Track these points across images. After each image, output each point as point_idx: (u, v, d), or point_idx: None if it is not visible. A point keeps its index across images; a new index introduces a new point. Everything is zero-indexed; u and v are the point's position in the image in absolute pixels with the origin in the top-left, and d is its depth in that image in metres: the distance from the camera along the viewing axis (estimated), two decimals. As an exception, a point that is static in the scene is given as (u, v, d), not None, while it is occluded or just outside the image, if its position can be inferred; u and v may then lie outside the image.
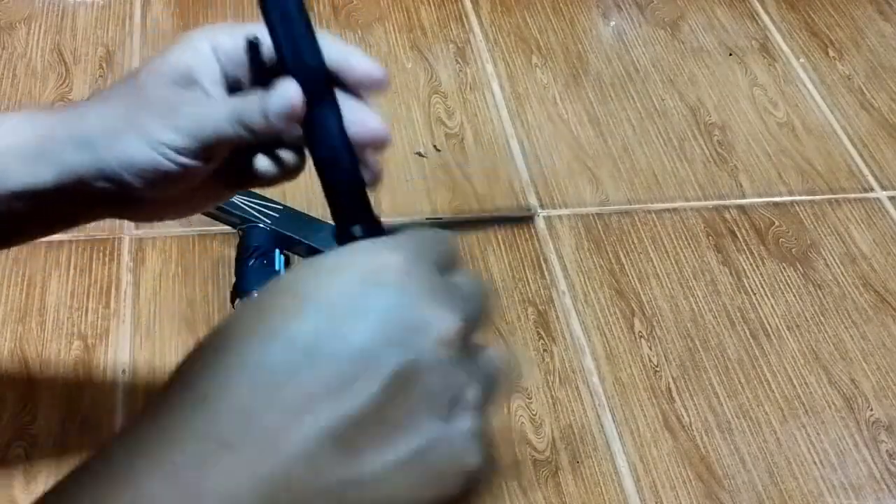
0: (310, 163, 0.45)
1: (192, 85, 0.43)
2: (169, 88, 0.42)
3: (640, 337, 0.77)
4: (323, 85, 0.43)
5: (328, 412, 0.28)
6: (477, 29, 1.02)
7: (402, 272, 0.31)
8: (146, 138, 0.42)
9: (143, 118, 0.42)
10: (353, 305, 0.30)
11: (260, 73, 0.44)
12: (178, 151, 0.42)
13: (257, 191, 0.81)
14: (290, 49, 0.42)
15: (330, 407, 0.28)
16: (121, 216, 0.49)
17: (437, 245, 0.34)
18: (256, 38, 0.45)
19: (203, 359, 0.31)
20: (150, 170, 0.42)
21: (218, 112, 0.42)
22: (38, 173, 0.43)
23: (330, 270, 0.32)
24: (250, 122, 0.42)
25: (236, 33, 0.45)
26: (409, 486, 0.29)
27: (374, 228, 0.43)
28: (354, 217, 0.44)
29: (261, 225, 0.77)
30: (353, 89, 0.47)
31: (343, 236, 0.42)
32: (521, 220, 0.49)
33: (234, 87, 0.44)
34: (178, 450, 0.28)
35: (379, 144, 0.46)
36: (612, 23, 1.07)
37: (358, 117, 0.45)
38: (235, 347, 0.30)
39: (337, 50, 0.45)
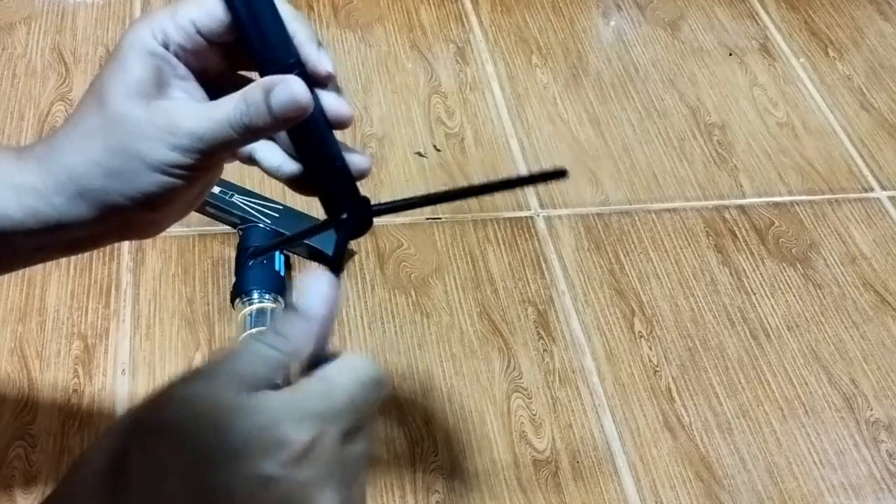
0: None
1: (165, 90, 0.41)
2: (148, 106, 0.40)
3: (640, 337, 0.77)
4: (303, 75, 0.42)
5: None
6: (477, 29, 1.02)
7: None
8: (149, 166, 0.40)
9: (138, 147, 0.40)
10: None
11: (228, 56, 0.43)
12: (184, 167, 0.40)
13: (257, 190, 0.81)
14: (270, 40, 0.41)
15: None
16: (126, 239, 0.47)
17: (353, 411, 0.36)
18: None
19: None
20: (160, 192, 0.41)
21: (215, 119, 0.40)
22: (32, 222, 0.41)
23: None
24: (256, 125, 0.40)
25: (178, 18, 0.41)
26: None
27: (363, 209, 0.45)
28: (342, 200, 0.44)
29: (260, 225, 0.77)
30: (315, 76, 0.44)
31: (334, 221, 0.44)
32: (556, 175, 0.49)
33: (197, 74, 0.43)
34: None
35: (346, 124, 0.44)
36: (612, 23, 1.07)
37: (327, 101, 0.44)
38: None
39: (298, 38, 0.43)
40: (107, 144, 0.40)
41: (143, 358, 0.71)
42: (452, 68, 0.97)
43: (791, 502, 0.68)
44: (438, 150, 0.89)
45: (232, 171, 0.84)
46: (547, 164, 0.89)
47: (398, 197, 0.46)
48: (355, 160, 0.44)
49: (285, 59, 0.41)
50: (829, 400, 0.75)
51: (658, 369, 0.75)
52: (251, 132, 0.40)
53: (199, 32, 0.41)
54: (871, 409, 0.75)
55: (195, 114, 0.40)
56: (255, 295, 0.70)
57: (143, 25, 0.41)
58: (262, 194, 0.80)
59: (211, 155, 0.41)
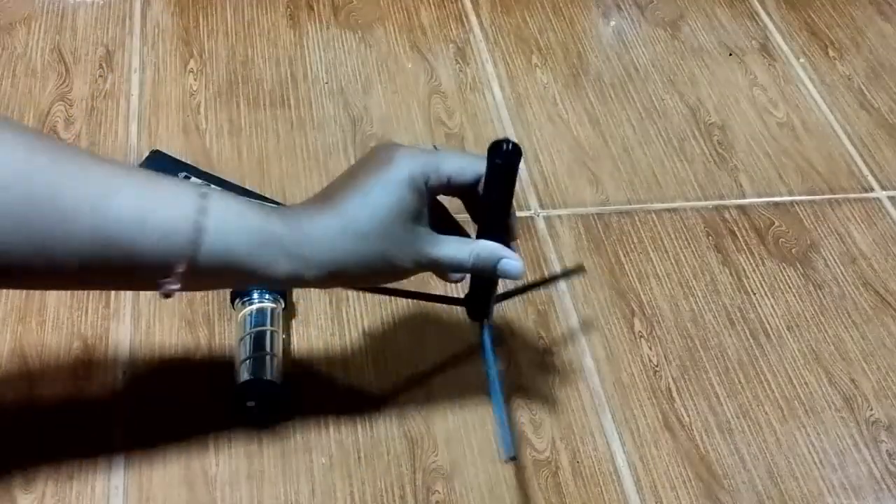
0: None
1: (421, 220, 0.55)
2: (410, 230, 0.54)
3: (640, 337, 0.77)
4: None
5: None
6: (477, 29, 1.02)
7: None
8: (394, 271, 0.56)
9: (394, 256, 0.54)
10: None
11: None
12: (411, 273, 0.57)
13: (257, 190, 0.81)
14: (504, 208, 0.57)
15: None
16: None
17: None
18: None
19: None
20: (386, 282, 0.59)
21: (457, 259, 0.56)
22: (283, 278, 0.54)
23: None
24: (480, 273, 0.57)
25: (442, 170, 0.55)
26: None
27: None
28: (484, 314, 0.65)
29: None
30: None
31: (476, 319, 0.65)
32: (573, 273, 0.75)
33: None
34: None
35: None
36: (612, 23, 1.07)
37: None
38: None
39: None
40: (373, 248, 0.53)
41: (143, 358, 0.70)
42: (452, 68, 0.97)
43: (791, 502, 0.69)
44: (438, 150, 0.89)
45: (232, 170, 0.84)
46: (547, 164, 0.89)
47: None
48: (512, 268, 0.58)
49: (502, 222, 0.58)
50: (829, 400, 0.75)
51: (658, 369, 0.75)
52: (476, 270, 0.57)
53: (450, 182, 0.55)
54: (871, 409, 0.75)
55: (439, 248, 0.55)
56: (255, 295, 0.70)
57: (416, 164, 0.54)
58: (262, 194, 0.80)
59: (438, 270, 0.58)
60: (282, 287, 0.70)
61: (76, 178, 0.47)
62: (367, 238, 0.53)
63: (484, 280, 0.60)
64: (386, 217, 0.52)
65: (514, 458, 0.64)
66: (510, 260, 0.56)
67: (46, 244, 0.46)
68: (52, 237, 0.46)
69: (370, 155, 0.55)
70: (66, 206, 0.46)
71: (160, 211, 0.49)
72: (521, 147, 0.54)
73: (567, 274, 0.73)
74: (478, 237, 0.58)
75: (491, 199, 0.56)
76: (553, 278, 0.73)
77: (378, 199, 0.53)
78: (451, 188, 0.56)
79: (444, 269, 0.57)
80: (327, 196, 0.55)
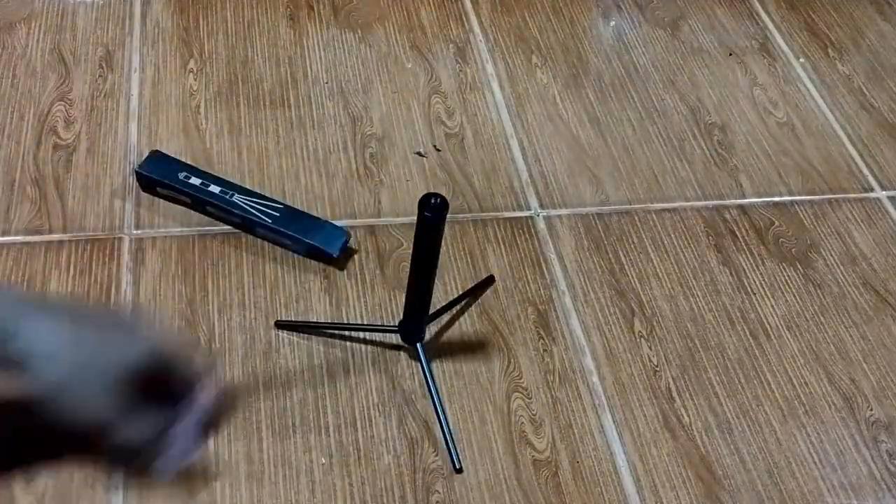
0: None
1: None
2: None
3: (640, 337, 0.77)
4: None
5: None
6: (477, 29, 1.02)
7: None
8: None
9: None
10: None
11: None
12: None
13: (258, 189, 0.81)
14: (433, 252, 0.62)
15: None
16: None
17: None
18: None
19: None
20: None
21: None
22: None
23: None
24: None
25: None
26: None
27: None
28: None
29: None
30: None
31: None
32: (485, 285, 0.78)
33: None
34: None
35: None
36: (612, 23, 1.07)
37: None
38: None
39: None
40: None
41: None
42: (452, 68, 0.97)
43: (791, 502, 0.68)
44: (438, 150, 0.89)
45: (232, 170, 0.84)
46: (547, 164, 0.89)
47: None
48: None
49: (431, 277, 0.64)
50: (829, 400, 0.75)
51: (658, 369, 0.75)
52: None
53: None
54: (871, 409, 0.75)
55: None
56: None
57: None
58: (263, 193, 0.80)
59: None
60: None
61: None
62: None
63: (417, 306, 0.65)
64: None
65: (460, 471, 0.67)
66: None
67: None
68: None
69: None
70: None
71: None
72: (447, 202, 0.57)
73: (480, 287, 0.77)
74: (407, 290, 0.64)
75: (420, 254, 0.61)
76: (467, 294, 0.77)
77: None
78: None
79: None
80: None
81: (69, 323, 0.52)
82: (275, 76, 0.93)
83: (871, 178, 0.93)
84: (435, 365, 0.72)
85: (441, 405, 0.68)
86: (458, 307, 0.76)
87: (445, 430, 0.67)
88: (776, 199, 0.90)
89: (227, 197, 0.79)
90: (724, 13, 1.09)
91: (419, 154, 0.88)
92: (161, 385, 0.55)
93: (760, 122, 0.97)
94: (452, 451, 0.67)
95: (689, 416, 0.72)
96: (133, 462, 0.60)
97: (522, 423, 0.70)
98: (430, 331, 0.75)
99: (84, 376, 0.52)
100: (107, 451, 0.61)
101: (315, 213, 0.81)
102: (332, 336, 0.73)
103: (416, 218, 0.60)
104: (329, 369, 0.71)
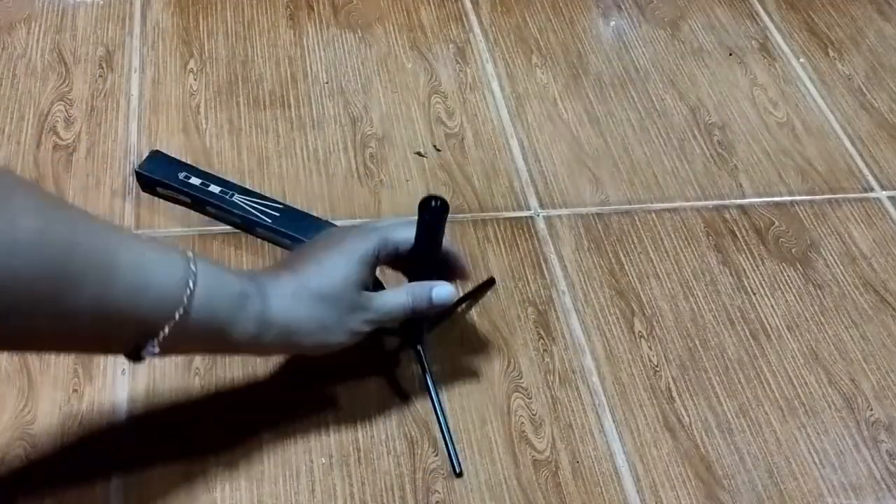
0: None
1: (368, 287, 0.61)
2: (359, 294, 0.60)
3: (640, 337, 0.77)
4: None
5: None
6: (477, 29, 1.02)
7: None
8: (348, 334, 0.60)
9: (346, 319, 0.59)
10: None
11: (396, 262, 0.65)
12: (364, 334, 0.61)
13: (258, 189, 0.81)
14: (433, 251, 0.63)
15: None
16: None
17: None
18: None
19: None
20: (336, 347, 0.60)
21: (399, 304, 0.62)
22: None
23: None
24: (419, 308, 0.63)
25: (389, 242, 0.62)
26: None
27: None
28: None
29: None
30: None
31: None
32: (486, 287, 0.80)
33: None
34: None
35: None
36: (612, 23, 1.07)
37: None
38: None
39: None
40: (327, 311, 0.58)
41: (143, 358, 0.70)
42: (452, 68, 0.97)
43: (791, 502, 0.69)
44: (438, 150, 0.89)
45: (232, 170, 0.84)
46: (547, 164, 0.89)
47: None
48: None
49: (431, 271, 0.64)
50: (829, 400, 0.75)
51: (658, 369, 0.75)
52: (415, 312, 0.63)
53: (398, 251, 0.62)
54: (871, 409, 0.75)
55: (383, 302, 0.61)
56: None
57: (366, 243, 0.60)
58: (263, 193, 0.80)
59: (382, 324, 0.62)
60: (238, 354, 0.68)
61: (85, 244, 0.47)
62: (322, 301, 0.58)
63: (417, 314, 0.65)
64: (339, 284, 0.58)
65: (460, 474, 0.66)
66: (440, 287, 0.63)
67: (53, 309, 0.45)
68: (59, 302, 0.45)
69: (325, 237, 0.62)
70: (76, 271, 0.46)
71: (155, 277, 0.50)
72: (448, 203, 0.59)
73: (480, 289, 0.78)
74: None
75: (420, 251, 0.62)
76: (467, 296, 0.77)
77: (332, 270, 0.58)
78: (400, 255, 0.62)
79: (390, 318, 0.62)
80: (286, 265, 0.60)
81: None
82: (275, 76, 0.93)
83: (871, 178, 0.93)
84: (435, 365, 0.72)
85: (442, 411, 0.68)
86: (459, 309, 0.76)
87: (446, 435, 0.67)
88: (776, 199, 0.90)
89: (228, 197, 0.79)
90: (724, 13, 1.09)
91: (419, 154, 0.88)
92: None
93: (760, 122, 0.97)
94: (453, 455, 0.67)
95: (689, 416, 0.72)
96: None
97: (522, 423, 0.70)
98: (430, 331, 0.75)
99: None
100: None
101: (315, 213, 0.81)
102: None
103: (416, 219, 0.60)
104: (329, 369, 0.71)
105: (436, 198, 0.59)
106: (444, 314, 0.75)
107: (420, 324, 0.68)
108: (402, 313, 0.62)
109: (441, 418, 0.68)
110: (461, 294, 0.76)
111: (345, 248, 0.60)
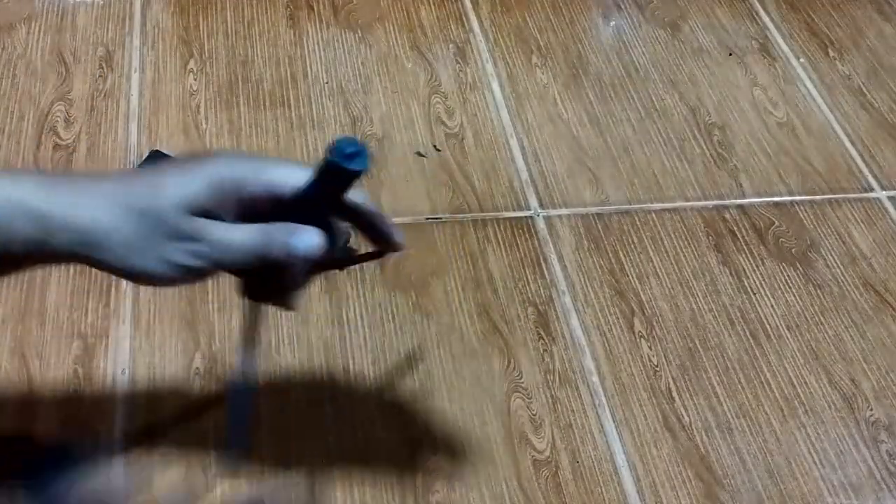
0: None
1: (213, 216, 0.47)
2: (196, 220, 0.46)
3: (640, 337, 0.77)
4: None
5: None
6: (477, 29, 1.02)
7: None
8: (165, 264, 0.46)
9: (165, 245, 0.46)
10: None
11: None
12: (193, 272, 0.47)
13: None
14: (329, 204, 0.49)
15: None
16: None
17: None
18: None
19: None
20: (158, 279, 0.47)
21: (244, 242, 0.47)
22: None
23: None
24: (273, 255, 0.47)
25: (261, 177, 0.48)
26: None
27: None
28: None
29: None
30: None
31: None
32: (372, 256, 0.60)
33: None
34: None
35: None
36: (612, 23, 1.07)
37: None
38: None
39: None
40: (137, 230, 0.46)
41: (142, 358, 0.71)
42: (452, 68, 0.97)
43: (791, 502, 0.69)
44: (438, 150, 0.89)
45: (232, 171, 0.84)
46: (547, 164, 0.89)
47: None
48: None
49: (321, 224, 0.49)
50: (829, 400, 0.75)
51: (658, 369, 0.75)
52: (266, 260, 0.48)
53: (271, 190, 0.47)
54: (871, 409, 0.75)
55: (224, 235, 0.47)
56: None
57: (231, 168, 0.47)
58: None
59: (221, 268, 0.48)
60: (27, 263, 0.51)
61: None
62: (134, 214, 0.46)
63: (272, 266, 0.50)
64: (164, 202, 0.46)
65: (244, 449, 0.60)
66: (305, 233, 0.48)
67: None
68: None
69: (204, 154, 0.51)
70: None
71: None
72: (370, 154, 0.46)
73: (372, 256, 0.58)
74: None
75: (308, 194, 0.48)
76: (353, 259, 0.59)
77: (164, 183, 0.47)
78: (275, 196, 0.48)
79: (231, 259, 0.48)
80: (133, 172, 0.51)
81: None
82: (275, 76, 0.93)
83: (871, 178, 0.93)
84: (435, 365, 0.72)
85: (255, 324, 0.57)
86: (343, 271, 0.70)
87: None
88: (776, 199, 0.90)
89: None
90: (724, 13, 1.09)
91: (419, 154, 0.88)
92: None
93: (760, 122, 0.97)
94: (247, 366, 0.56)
95: (689, 416, 0.72)
96: None
97: (522, 423, 0.70)
98: (430, 331, 0.75)
99: None
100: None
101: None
102: (332, 336, 0.74)
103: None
104: (329, 369, 0.71)
105: (353, 142, 0.45)
106: (313, 272, 0.54)
107: (270, 280, 0.51)
108: (247, 256, 0.47)
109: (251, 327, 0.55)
110: (357, 251, 0.56)
111: (197, 166, 0.47)
